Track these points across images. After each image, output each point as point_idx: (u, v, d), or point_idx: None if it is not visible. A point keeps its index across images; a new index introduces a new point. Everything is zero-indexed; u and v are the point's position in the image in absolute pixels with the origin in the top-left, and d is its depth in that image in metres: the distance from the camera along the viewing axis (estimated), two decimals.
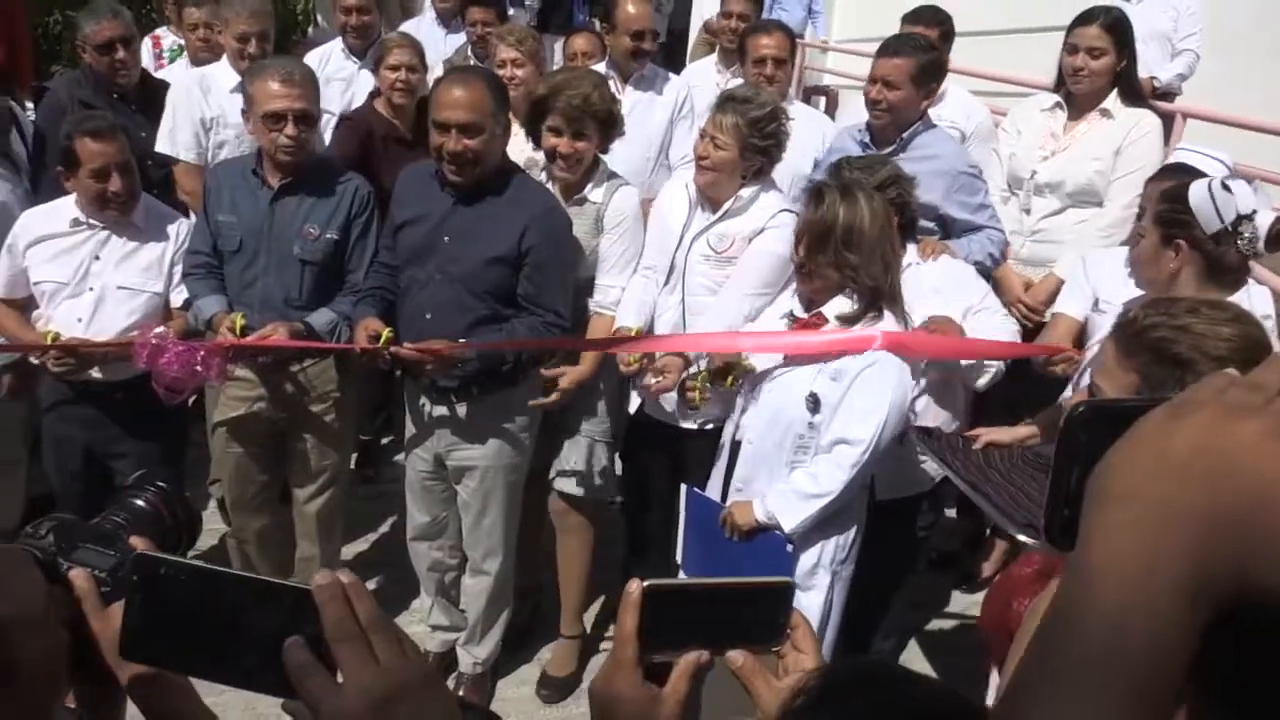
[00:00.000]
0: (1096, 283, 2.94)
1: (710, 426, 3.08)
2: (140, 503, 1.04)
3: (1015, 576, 2.47)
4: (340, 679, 0.73)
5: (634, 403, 3.29)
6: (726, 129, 2.96)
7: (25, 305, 3.23)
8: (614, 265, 3.18)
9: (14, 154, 3.82)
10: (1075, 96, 3.71)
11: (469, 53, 4.80)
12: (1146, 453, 0.54)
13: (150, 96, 4.14)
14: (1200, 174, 2.63)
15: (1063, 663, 0.53)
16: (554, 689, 3.45)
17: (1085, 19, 3.68)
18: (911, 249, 3.02)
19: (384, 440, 4.80)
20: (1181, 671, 0.51)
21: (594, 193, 3.16)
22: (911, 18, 4.35)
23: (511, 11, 5.74)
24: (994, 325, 2.96)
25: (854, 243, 2.53)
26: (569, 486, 3.35)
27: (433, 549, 3.35)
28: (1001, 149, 3.89)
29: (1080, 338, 2.97)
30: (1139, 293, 2.67)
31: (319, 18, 8.08)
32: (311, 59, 4.36)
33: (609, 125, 3.14)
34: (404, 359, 2.87)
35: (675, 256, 3.13)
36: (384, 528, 4.29)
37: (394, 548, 3.80)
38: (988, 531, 4.09)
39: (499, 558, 3.23)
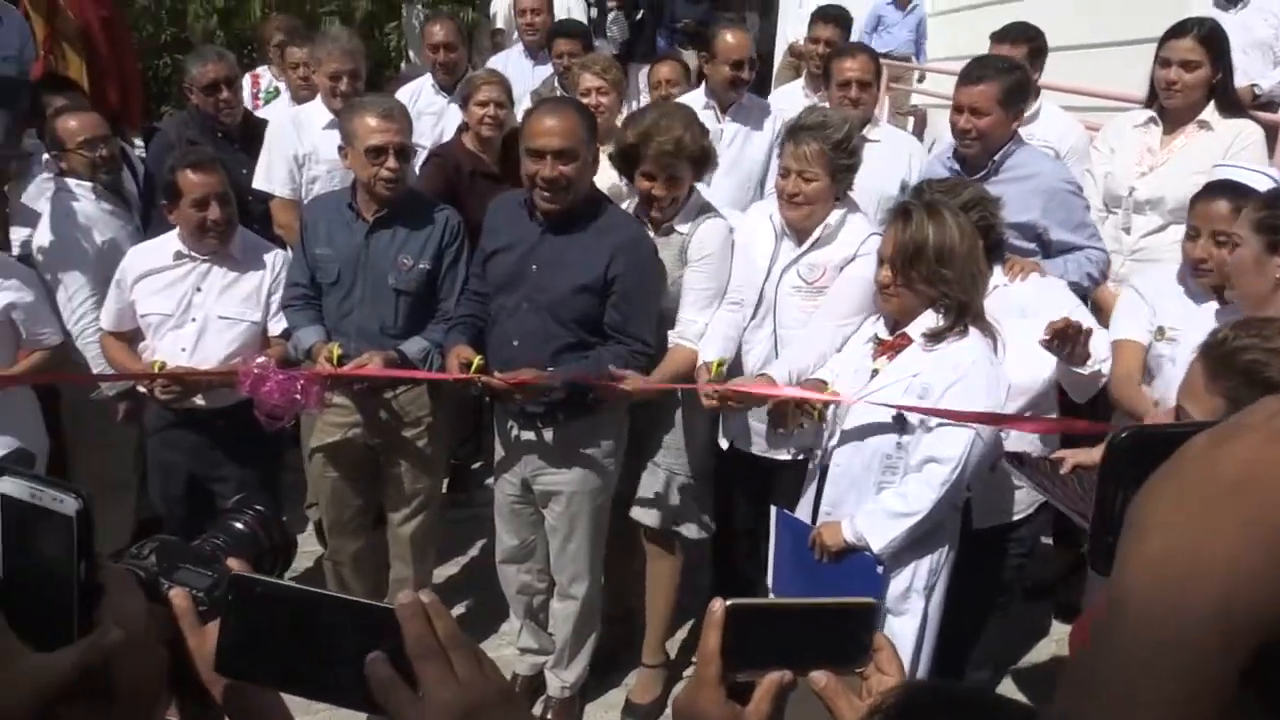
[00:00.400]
0: (1154, 303, 2.85)
1: (801, 457, 3.05)
2: (239, 525, 1.08)
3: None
4: (421, 695, 0.75)
5: (724, 441, 3.27)
6: (813, 158, 2.91)
7: (132, 338, 3.39)
8: (696, 299, 3.13)
9: (125, 192, 4.01)
10: (1169, 110, 3.61)
11: (555, 84, 4.89)
12: (1187, 480, 0.51)
13: (251, 135, 4.30)
14: (1251, 190, 2.55)
15: (1100, 688, 0.53)
16: (638, 716, 3.44)
17: (1178, 31, 3.58)
18: (997, 270, 2.95)
19: (475, 465, 4.86)
20: (1225, 693, 0.49)
21: (682, 224, 3.15)
22: (1000, 35, 4.28)
23: (597, 43, 5.83)
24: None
25: (947, 259, 2.50)
26: (644, 516, 3.34)
27: (521, 572, 3.39)
28: (1096, 168, 3.79)
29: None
30: (1205, 310, 2.62)
31: (410, 54, 8.35)
32: (403, 94, 4.49)
33: (702, 162, 3.12)
34: (493, 387, 2.92)
35: (764, 289, 3.08)
36: (474, 551, 4.35)
37: (484, 571, 3.85)
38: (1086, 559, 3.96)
39: (586, 582, 3.25)
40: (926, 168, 3.80)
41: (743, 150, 4.27)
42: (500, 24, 8.19)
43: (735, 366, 3.13)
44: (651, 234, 3.15)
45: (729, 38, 4.28)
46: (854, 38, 7.38)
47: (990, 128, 3.33)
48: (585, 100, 3.89)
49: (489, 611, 3.75)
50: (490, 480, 4.81)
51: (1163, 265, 3.03)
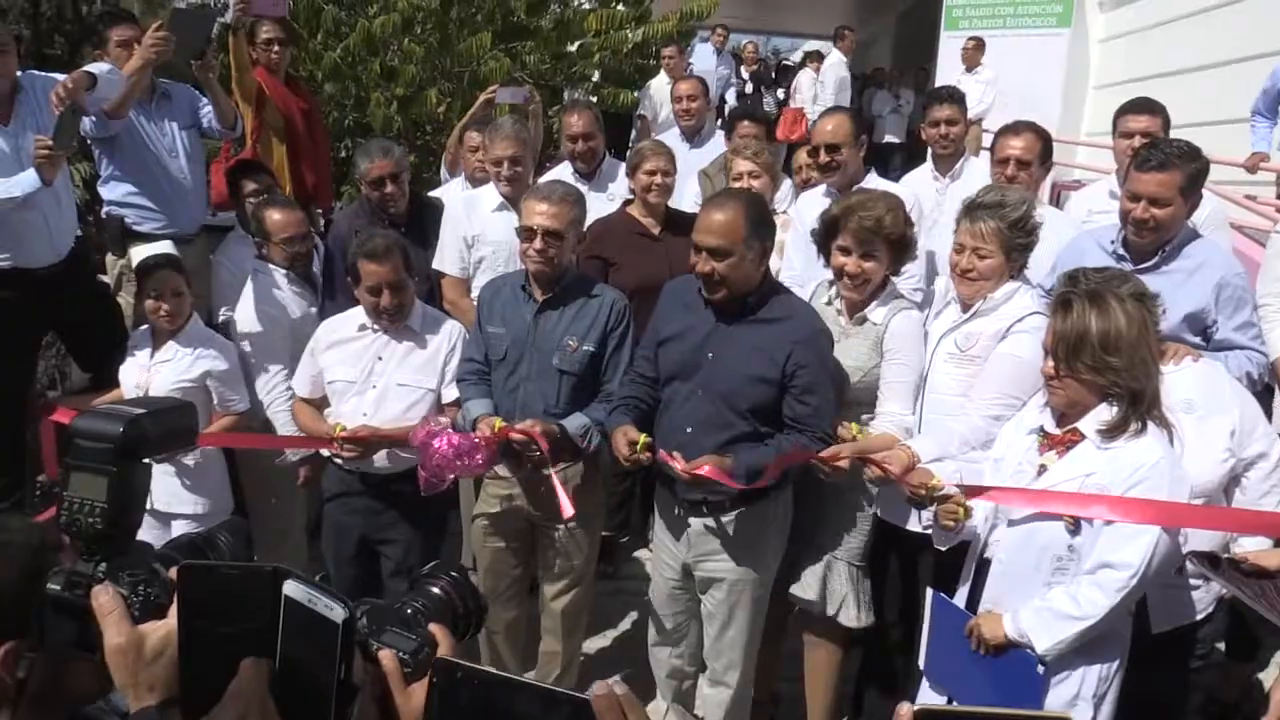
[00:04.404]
0: None
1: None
2: (436, 590, 1.17)
3: None
4: None
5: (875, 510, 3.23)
6: (989, 236, 2.94)
7: (320, 404, 3.60)
8: (900, 391, 3.08)
9: (313, 277, 4.28)
10: None
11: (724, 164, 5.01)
12: None
13: (420, 218, 4.44)
14: None
15: None
16: None
17: None
18: None
19: (622, 539, 4.90)
20: None
21: (875, 313, 3.14)
22: (1131, 107, 4.16)
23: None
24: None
25: (1113, 346, 2.42)
26: (803, 595, 3.30)
27: (673, 656, 3.40)
28: None
29: None
30: None
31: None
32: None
33: (901, 248, 3.13)
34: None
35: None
36: (622, 626, 4.37)
37: (631, 646, 3.86)
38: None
39: (739, 670, 3.24)
40: (1082, 248, 3.50)
41: None
42: (644, 110, 8.41)
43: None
44: (845, 322, 3.17)
45: (822, 121, 4.27)
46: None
47: (1169, 218, 3.16)
48: (737, 184, 3.98)
49: (634, 688, 3.72)
50: (638, 554, 4.86)
51: None
